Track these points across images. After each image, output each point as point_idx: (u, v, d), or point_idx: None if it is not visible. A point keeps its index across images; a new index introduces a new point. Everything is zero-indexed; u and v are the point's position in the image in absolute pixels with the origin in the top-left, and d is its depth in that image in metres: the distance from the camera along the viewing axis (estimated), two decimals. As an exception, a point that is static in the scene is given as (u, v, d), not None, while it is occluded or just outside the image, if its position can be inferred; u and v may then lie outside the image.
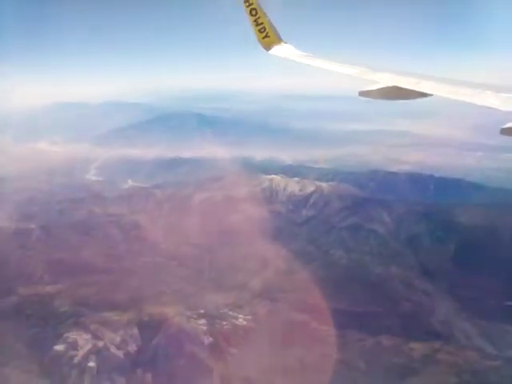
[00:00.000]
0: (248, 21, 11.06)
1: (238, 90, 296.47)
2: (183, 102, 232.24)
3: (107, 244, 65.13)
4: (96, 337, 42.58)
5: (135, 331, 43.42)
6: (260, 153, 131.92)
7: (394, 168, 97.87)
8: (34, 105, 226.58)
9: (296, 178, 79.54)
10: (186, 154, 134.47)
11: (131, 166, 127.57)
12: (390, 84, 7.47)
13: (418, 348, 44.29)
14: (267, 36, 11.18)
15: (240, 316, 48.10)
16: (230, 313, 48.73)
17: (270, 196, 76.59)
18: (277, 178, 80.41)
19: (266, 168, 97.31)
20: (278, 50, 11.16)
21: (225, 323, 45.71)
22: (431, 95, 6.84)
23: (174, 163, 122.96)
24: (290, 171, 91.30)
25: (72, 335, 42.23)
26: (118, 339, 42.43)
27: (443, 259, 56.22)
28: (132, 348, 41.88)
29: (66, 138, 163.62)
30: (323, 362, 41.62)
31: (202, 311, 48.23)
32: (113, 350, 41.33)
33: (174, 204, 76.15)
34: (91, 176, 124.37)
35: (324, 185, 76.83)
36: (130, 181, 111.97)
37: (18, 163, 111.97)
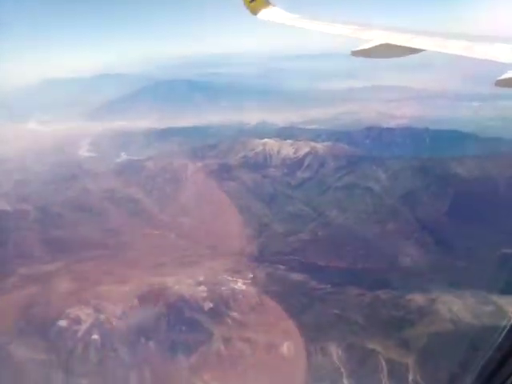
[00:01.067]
0: None
1: (229, 53, 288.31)
2: (173, 70, 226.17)
3: (103, 219, 65.13)
4: (97, 310, 43.24)
5: (136, 302, 44.04)
6: (254, 116, 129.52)
7: (390, 124, 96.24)
8: (20, 83, 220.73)
9: (289, 141, 78.37)
10: (179, 122, 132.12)
11: (124, 139, 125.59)
12: (382, 41, 7.42)
13: (414, 300, 44.99)
14: (254, 0, 10.84)
15: (239, 280, 48.69)
16: (229, 278, 49.30)
17: (264, 160, 75.75)
18: (270, 141, 79.26)
19: (261, 132, 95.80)
20: (265, 13, 10.84)
21: (224, 288, 46.30)
22: (424, 50, 6.87)
23: (166, 133, 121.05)
24: (284, 134, 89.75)
25: (74, 311, 42.88)
26: (119, 311, 43.10)
27: (439, 213, 56.18)
28: (134, 319, 42.57)
29: (56, 115, 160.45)
30: (322, 319, 42.47)
31: (201, 278, 48.73)
32: (115, 322, 42.04)
33: (167, 175, 75.50)
34: (84, 152, 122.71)
35: (318, 145, 75.82)
36: (123, 154, 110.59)
37: (7, 144, 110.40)
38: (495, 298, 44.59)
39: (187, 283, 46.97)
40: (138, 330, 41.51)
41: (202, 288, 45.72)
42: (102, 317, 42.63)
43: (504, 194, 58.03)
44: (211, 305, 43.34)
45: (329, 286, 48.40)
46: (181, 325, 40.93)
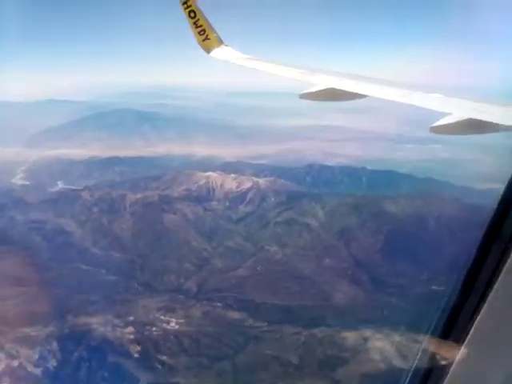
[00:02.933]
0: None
1: (180, 86, 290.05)
2: (123, 99, 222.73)
3: (29, 253, 60.17)
4: (10, 356, 38.97)
5: (55, 346, 40.28)
6: (201, 149, 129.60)
7: (330, 162, 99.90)
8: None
9: (233, 175, 78.58)
10: (124, 152, 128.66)
11: (63, 168, 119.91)
12: (329, 86, 7.86)
13: (349, 337, 45.17)
14: (207, 39, 10.92)
15: (172, 320, 46.39)
16: (162, 317, 46.87)
17: (206, 194, 75.01)
18: (214, 175, 79.03)
19: (206, 165, 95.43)
20: (218, 52, 11.01)
21: (154, 329, 43.78)
22: (367, 96, 7.36)
23: (110, 163, 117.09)
24: (229, 168, 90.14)
25: (-18, 356, 38.37)
26: (35, 356, 39.12)
27: (372, 249, 57.94)
28: (51, 364, 38.80)
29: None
30: (255, 360, 41.16)
31: (131, 318, 45.94)
32: (30, 368, 38.02)
33: (104, 206, 72.19)
34: (17, 180, 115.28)
35: (261, 181, 76.61)
36: (59, 183, 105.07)
37: None
38: (423, 338, 45.85)
39: (114, 324, 43.96)
40: (56, 377, 37.77)
41: (130, 329, 42.92)
42: (16, 362, 38.43)
43: (433, 231, 61.28)
44: (139, 348, 40.61)
45: (265, 324, 47.47)
46: (103, 371, 37.76)
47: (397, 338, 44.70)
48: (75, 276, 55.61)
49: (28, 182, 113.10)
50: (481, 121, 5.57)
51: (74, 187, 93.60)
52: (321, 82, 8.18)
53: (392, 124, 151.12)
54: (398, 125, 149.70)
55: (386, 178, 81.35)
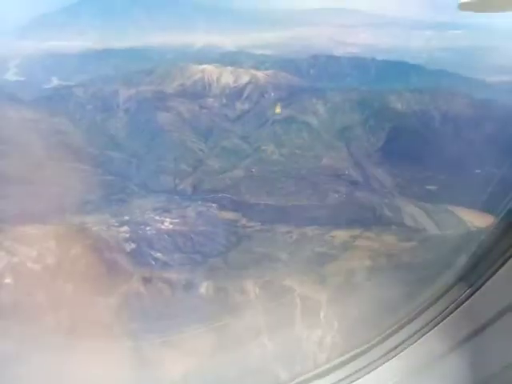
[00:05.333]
0: None
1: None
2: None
3: (24, 152, 59.87)
4: (10, 253, 40.82)
5: (52, 244, 41.87)
6: (200, 38, 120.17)
7: (339, 51, 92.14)
8: None
9: (230, 68, 73.42)
10: (119, 43, 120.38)
11: (57, 61, 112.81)
12: None
13: (338, 235, 46.11)
14: None
15: (167, 220, 47.42)
16: (157, 217, 47.89)
17: (202, 89, 71.11)
18: (209, 68, 73.91)
19: (204, 56, 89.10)
20: None
21: (149, 228, 44.98)
22: None
23: (103, 55, 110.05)
24: (228, 59, 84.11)
25: (-16, 253, 40.27)
26: (34, 253, 40.90)
27: (372, 149, 56.10)
28: (50, 261, 40.70)
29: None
30: (246, 257, 42.74)
31: (126, 218, 47.02)
32: (29, 264, 40.00)
33: (97, 103, 69.63)
34: (10, 76, 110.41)
35: (260, 74, 71.69)
36: (54, 79, 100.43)
37: None
38: (416, 234, 46.57)
39: (110, 223, 45.16)
40: (54, 273, 39.94)
41: (125, 228, 44.13)
42: (16, 259, 40.40)
43: (437, 129, 58.46)
44: (133, 245, 42.14)
45: (258, 223, 48.39)
46: (99, 266, 39.65)
47: (386, 237, 45.54)
48: (71, 175, 55.79)
49: (22, 78, 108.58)
50: None
51: (68, 83, 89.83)
52: None
53: (413, 6, 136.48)
54: (419, 6, 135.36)
55: (394, 70, 75.45)
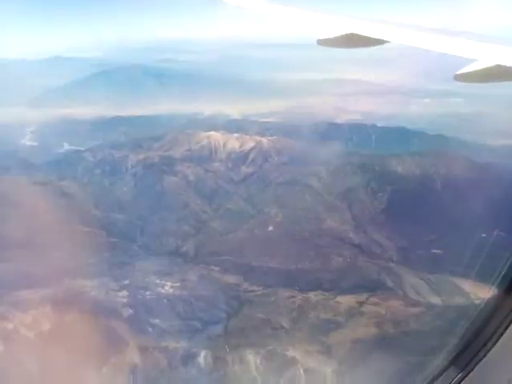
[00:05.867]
0: None
1: (190, 39, 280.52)
2: (129, 55, 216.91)
3: (31, 215, 60.60)
4: (4, 318, 39.81)
5: (48, 309, 40.88)
6: (208, 107, 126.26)
7: (341, 118, 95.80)
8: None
9: (236, 134, 76.11)
10: (130, 111, 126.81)
11: (70, 128, 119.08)
12: (349, 31, 7.32)
13: (344, 301, 44.48)
14: None
15: (167, 283, 46.43)
16: (158, 281, 46.96)
17: (208, 154, 73.22)
18: (216, 134, 76.71)
19: (211, 124, 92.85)
20: None
21: (148, 293, 43.93)
22: (389, 42, 6.84)
23: (114, 122, 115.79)
24: (234, 126, 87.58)
25: (-22, 319, 39.28)
26: (29, 319, 39.84)
27: (374, 211, 55.95)
28: (44, 327, 39.50)
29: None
30: (247, 324, 41.04)
31: (126, 281, 46.18)
32: (23, 331, 38.81)
33: (106, 167, 71.57)
34: (26, 141, 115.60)
35: (264, 140, 74.06)
36: (66, 144, 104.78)
37: None
38: (422, 299, 44.83)
39: (109, 287, 44.28)
40: (48, 340, 38.51)
41: (124, 293, 43.14)
42: (10, 325, 39.27)
43: (439, 192, 58.61)
44: (131, 311, 40.89)
45: (261, 287, 47.13)
46: (95, 334, 38.23)
47: (393, 303, 43.84)
48: (75, 238, 55.79)
49: (36, 143, 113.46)
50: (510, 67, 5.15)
51: (79, 148, 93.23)
52: (340, 28, 7.57)
53: (410, 76, 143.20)
54: (417, 77, 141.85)
55: (395, 135, 77.59)
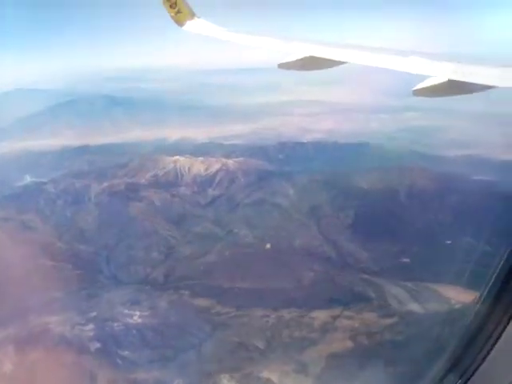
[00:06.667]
0: None
1: (150, 68, 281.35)
2: (94, 85, 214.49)
3: (-11, 252, 57.80)
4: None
5: (10, 349, 38.71)
6: (173, 132, 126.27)
7: (304, 138, 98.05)
8: None
9: (201, 158, 76.29)
10: (94, 140, 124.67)
11: (32, 160, 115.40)
12: (307, 54, 7.58)
13: (318, 317, 44.51)
14: (179, 12, 10.73)
15: (136, 313, 45.06)
16: (126, 311, 45.50)
17: (174, 179, 72.81)
18: (181, 159, 76.62)
19: (177, 149, 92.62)
20: (191, 25, 10.84)
21: (116, 324, 42.43)
22: (346, 62, 7.16)
23: (79, 152, 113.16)
24: (200, 150, 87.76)
25: None
26: (-12, 361, 37.54)
27: (342, 226, 56.99)
28: (7, 368, 37.30)
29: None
30: (221, 348, 40.26)
31: (93, 314, 44.47)
32: (-18, 374, 36.47)
33: (68, 198, 69.73)
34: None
35: (230, 162, 74.55)
36: (27, 176, 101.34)
37: None
38: (395, 311, 45.46)
39: (75, 321, 42.49)
40: (11, 381, 36.34)
41: (91, 326, 41.48)
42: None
43: (403, 203, 60.52)
44: (98, 345, 39.27)
45: (233, 309, 46.51)
46: (60, 371, 36.38)
47: (366, 315, 44.25)
48: (38, 273, 53.51)
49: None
50: (462, 82, 5.60)
51: (40, 180, 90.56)
52: (299, 51, 7.91)
53: (369, 94, 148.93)
54: (374, 94, 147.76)
55: (357, 151, 79.95)
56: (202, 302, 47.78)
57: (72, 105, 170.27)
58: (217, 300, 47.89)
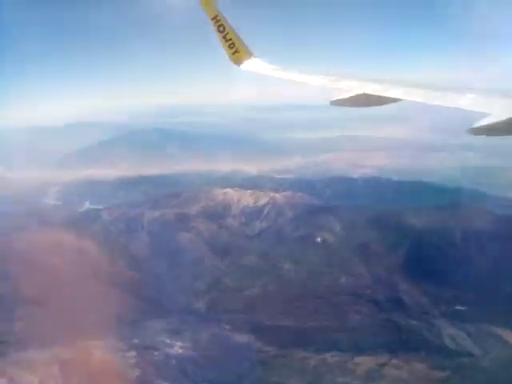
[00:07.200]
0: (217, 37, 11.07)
1: (209, 103, 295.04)
2: (147, 119, 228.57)
3: (45, 273, 61.02)
4: (12, 380, 38.80)
5: (55, 370, 39.78)
6: (226, 166, 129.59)
7: (355, 174, 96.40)
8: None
9: (249, 191, 77.04)
10: (150, 171, 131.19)
11: (92, 188, 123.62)
12: (360, 91, 7.51)
13: (363, 363, 41.85)
14: (237, 51, 11.22)
15: (177, 343, 44.89)
16: (167, 341, 45.48)
17: (223, 210, 73.82)
18: (231, 191, 77.84)
19: (228, 181, 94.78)
20: (248, 64, 11.27)
21: (157, 353, 42.43)
22: (400, 100, 6.97)
23: (135, 182, 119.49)
24: (250, 183, 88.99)
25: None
26: (35, 381, 38.73)
27: (392, 266, 54.17)
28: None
29: (27, 162, 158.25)
30: (260, 388, 38.76)
31: (135, 341, 44.90)
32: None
33: (121, 226, 72.70)
34: (50, 200, 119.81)
35: (277, 195, 74.57)
36: (87, 203, 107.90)
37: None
38: (446, 361, 41.77)
39: (117, 347, 43.06)
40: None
41: (132, 353, 41.81)
42: (16, 388, 38.18)
43: (457, 244, 56.71)
44: (138, 372, 39.34)
45: (274, 348, 44.96)
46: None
47: (416, 365, 40.96)
48: (87, 297, 55.46)
49: (60, 202, 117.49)
50: None
51: (97, 207, 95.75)
52: (352, 88, 7.83)
53: (423, 131, 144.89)
54: (430, 131, 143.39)
55: (411, 189, 77.00)
56: (242, 338, 46.71)
57: (130, 137, 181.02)
58: (257, 336, 46.64)
